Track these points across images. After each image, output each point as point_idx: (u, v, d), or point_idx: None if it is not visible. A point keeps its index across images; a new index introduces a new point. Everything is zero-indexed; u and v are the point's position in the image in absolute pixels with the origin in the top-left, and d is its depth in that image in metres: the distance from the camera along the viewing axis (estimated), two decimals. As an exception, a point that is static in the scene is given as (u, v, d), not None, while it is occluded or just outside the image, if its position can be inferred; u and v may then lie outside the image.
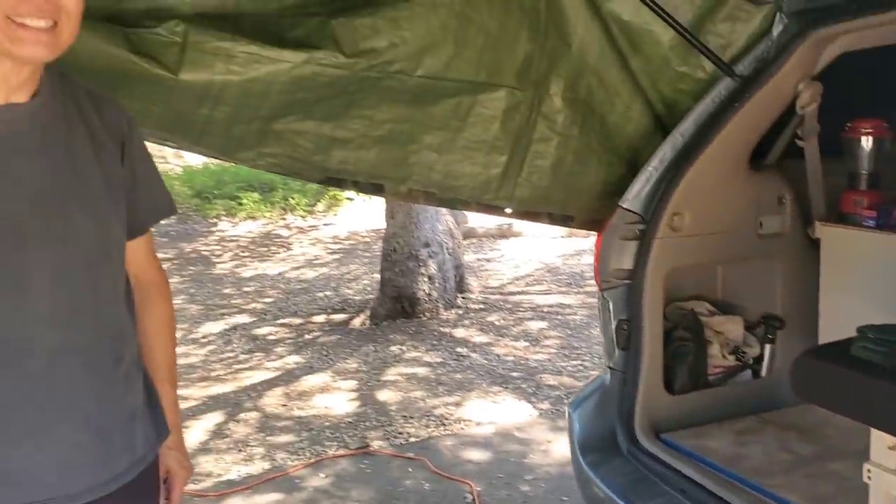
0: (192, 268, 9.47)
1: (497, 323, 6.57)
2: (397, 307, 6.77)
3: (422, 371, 5.44)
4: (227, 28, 1.89)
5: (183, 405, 4.83)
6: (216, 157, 2.15)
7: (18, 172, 1.30)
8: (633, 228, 2.36)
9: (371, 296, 7.37)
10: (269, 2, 1.96)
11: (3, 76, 1.27)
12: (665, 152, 2.35)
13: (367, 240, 10.82)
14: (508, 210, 2.48)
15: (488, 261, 9.33)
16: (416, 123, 2.21)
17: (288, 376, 5.48)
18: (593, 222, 2.55)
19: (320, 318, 7.05)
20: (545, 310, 6.96)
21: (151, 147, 1.61)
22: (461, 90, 2.22)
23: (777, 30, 2.30)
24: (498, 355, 5.73)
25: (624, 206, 2.38)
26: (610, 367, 2.45)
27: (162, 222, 1.52)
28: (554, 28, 2.29)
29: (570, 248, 9.34)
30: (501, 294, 7.63)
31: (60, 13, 1.24)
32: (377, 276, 7.18)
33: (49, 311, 1.32)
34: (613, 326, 2.40)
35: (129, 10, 1.83)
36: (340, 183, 2.23)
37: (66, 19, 1.26)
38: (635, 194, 2.38)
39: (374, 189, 2.28)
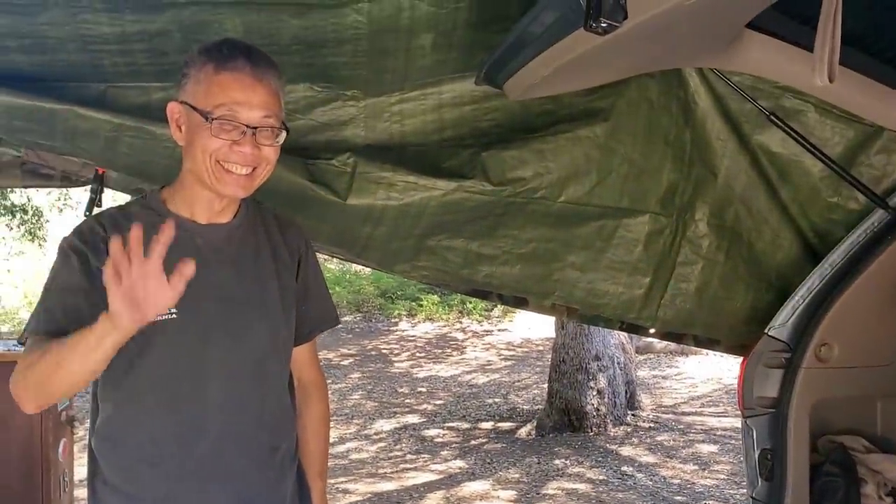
0: (371, 365, 9.92)
1: (666, 443, 6.38)
2: (564, 420, 6.74)
3: (583, 487, 5.37)
4: (390, 158, 2.14)
5: (348, 499, 5.07)
6: (375, 269, 2.39)
7: (213, 279, 1.56)
8: (779, 357, 2.34)
9: (539, 406, 7.38)
10: (429, 135, 2.20)
11: (208, 203, 1.57)
12: (813, 282, 2.34)
13: (541, 348, 10.87)
14: (652, 330, 2.53)
15: (664, 378, 9.09)
16: (560, 243, 2.34)
17: (450, 480, 5.58)
18: (741, 347, 2.54)
19: (487, 425, 7.14)
20: (719, 433, 6.68)
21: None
22: (604, 214, 2.34)
23: (935, 162, 2.26)
24: (664, 477, 5.56)
25: (769, 333, 2.37)
26: (753, 498, 2.39)
27: (348, 320, 1.74)
28: (699, 158, 2.37)
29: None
30: (674, 413, 7.40)
31: (261, 161, 1.50)
32: (547, 386, 7.20)
33: (221, 400, 1.55)
34: (756, 455, 2.35)
35: (311, 143, 2.13)
36: (486, 295, 2.40)
37: (264, 165, 1.52)
38: (781, 322, 2.36)
39: (518, 302, 2.42)
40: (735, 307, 2.51)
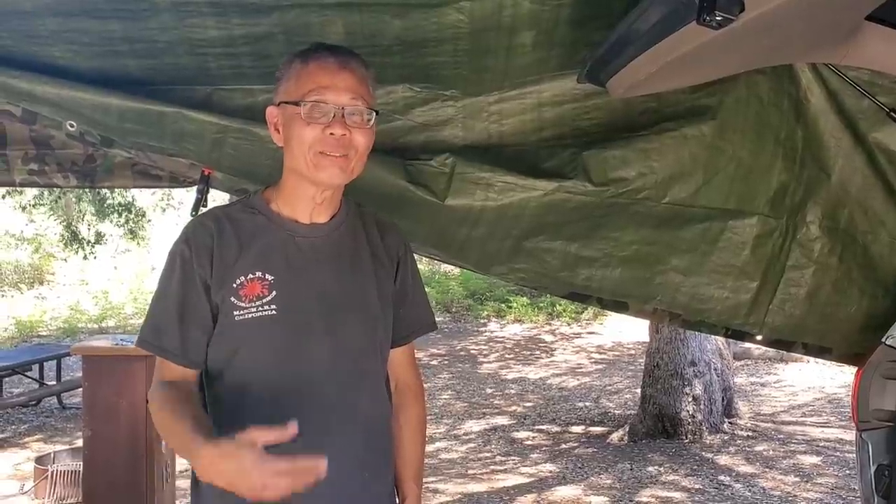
0: (460, 365, 9.93)
1: (766, 453, 6.16)
2: (658, 426, 6.60)
3: (678, 496, 5.24)
4: (489, 159, 2.12)
5: (438, 499, 5.09)
6: (472, 270, 2.37)
7: (313, 277, 1.60)
8: (898, 367, 2.21)
9: (632, 411, 7.25)
10: (528, 134, 2.16)
11: (309, 199, 1.60)
12: (937, 288, 2.20)
13: (633, 352, 10.67)
14: (759, 337, 2.42)
15: (763, 385, 8.79)
16: (663, 245, 2.27)
17: (541, 484, 5.53)
18: (854, 356, 2.41)
19: (578, 429, 7.05)
20: (821, 444, 6.41)
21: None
22: (710, 216, 2.26)
23: None
24: (763, 488, 5.36)
25: (888, 342, 2.24)
26: (868, 515, 2.27)
27: (437, 320, 1.75)
28: (811, 157, 2.27)
29: (856, 379, 8.55)
30: (774, 422, 7.15)
31: (351, 148, 1.54)
32: (639, 390, 7.07)
33: (318, 398, 1.57)
34: (872, 471, 2.23)
35: (409, 144, 2.13)
36: (585, 298, 2.34)
37: (355, 153, 1.55)
38: (901, 330, 2.23)
39: (618, 306, 2.35)
40: (848, 314, 2.38)
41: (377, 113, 1.58)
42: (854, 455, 5.63)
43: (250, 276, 1.55)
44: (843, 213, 2.34)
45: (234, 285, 1.54)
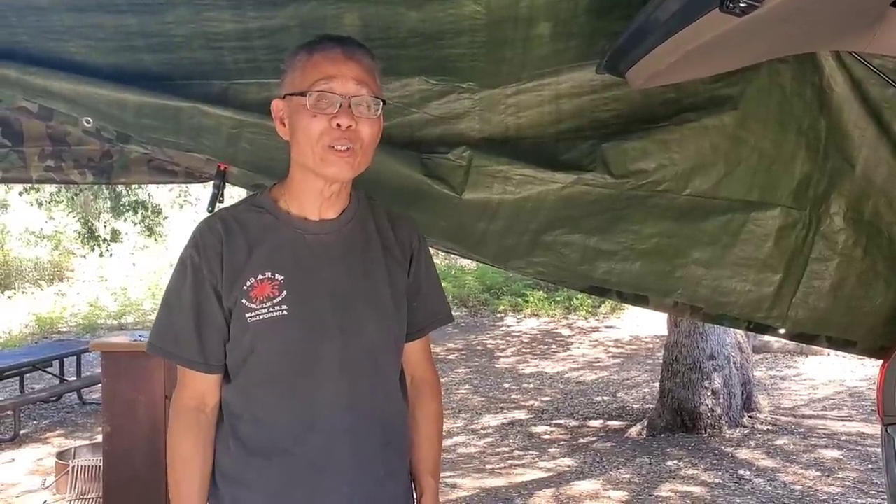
0: (477, 360, 9.91)
1: (786, 447, 6.10)
2: (677, 420, 6.55)
3: (697, 490, 5.20)
4: (506, 151, 2.10)
5: (456, 494, 5.08)
6: (490, 265, 2.35)
7: (324, 274, 1.58)
8: (925, 360, 2.17)
9: (650, 405, 7.21)
10: (546, 127, 2.14)
11: (318, 193, 1.59)
12: (964, 279, 2.16)
13: (650, 346, 10.61)
14: (782, 331, 2.39)
15: (782, 379, 8.72)
16: (684, 238, 2.24)
17: (559, 479, 5.51)
18: (879, 349, 2.38)
19: (596, 423, 7.02)
20: (843, 438, 6.34)
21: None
22: (732, 208, 2.22)
23: None
24: (784, 483, 5.31)
25: (914, 335, 2.21)
26: (894, 511, 2.23)
27: (454, 314, 1.73)
28: (835, 147, 2.23)
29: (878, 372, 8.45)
30: (794, 416, 7.08)
31: (357, 141, 1.52)
32: (658, 384, 7.02)
33: (332, 396, 1.56)
34: (899, 466, 2.20)
35: (426, 137, 2.11)
36: (604, 293, 2.31)
37: (360, 147, 1.54)
38: (928, 323, 2.19)
39: (638, 300, 2.32)
40: (874, 307, 2.35)
41: (384, 102, 1.56)
42: (877, 449, 5.57)
43: (260, 277, 1.55)
44: (868, 205, 2.30)
45: (245, 287, 1.54)
